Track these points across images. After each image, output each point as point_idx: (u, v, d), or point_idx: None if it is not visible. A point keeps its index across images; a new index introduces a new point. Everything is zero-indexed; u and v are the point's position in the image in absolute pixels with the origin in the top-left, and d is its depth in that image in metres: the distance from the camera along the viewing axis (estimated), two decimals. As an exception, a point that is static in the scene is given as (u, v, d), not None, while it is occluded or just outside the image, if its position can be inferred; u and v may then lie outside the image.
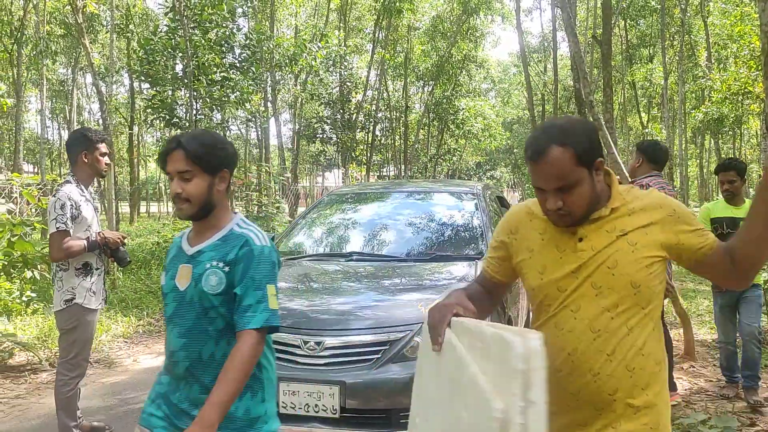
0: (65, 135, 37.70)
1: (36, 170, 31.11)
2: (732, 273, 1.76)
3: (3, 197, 8.26)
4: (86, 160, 3.97)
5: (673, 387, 4.78)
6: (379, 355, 3.41)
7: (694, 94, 25.45)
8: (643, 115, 29.68)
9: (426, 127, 32.85)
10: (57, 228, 3.75)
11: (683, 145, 20.60)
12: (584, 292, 1.78)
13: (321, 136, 27.48)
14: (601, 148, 1.86)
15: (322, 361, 3.42)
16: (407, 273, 4.26)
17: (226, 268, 2.11)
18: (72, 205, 3.81)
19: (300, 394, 3.34)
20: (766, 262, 1.76)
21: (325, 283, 4.30)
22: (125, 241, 4.14)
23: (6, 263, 5.98)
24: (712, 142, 29.60)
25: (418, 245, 4.70)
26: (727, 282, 1.85)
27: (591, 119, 7.28)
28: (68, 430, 3.88)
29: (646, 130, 26.71)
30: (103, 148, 4.01)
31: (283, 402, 3.33)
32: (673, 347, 4.97)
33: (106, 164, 4.07)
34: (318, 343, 3.44)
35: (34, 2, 20.04)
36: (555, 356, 1.72)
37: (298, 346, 3.47)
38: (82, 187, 3.98)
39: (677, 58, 20.73)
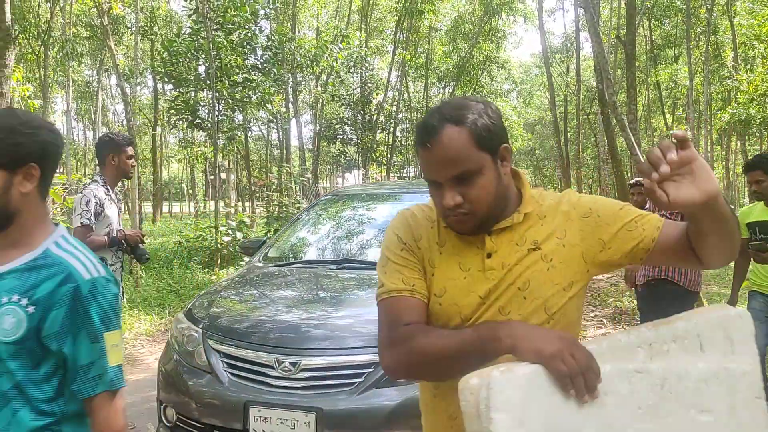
0: (90, 136, 38.23)
1: (62, 170, 31.55)
2: (693, 257, 1.43)
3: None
4: (113, 162, 4.19)
5: None
6: (362, 379, 3.02)
7: (720, 95, 25.11)
8: (667, 116, 29.34)
9: (447, 128, 32.73)
10: (81, 222, 3.95)
11: (709, 147, 20.33)
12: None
13: (341, 137, 27.54)
14: (507, 135, 1.49)
15: (298, 384, 3.05)
16: None
17: (31, 308, 1.45)
18: (96, 202, 4.00)
19: (272, 420, 2.98)
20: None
21: (309, 293, 3.88)
22: (144, 239, 4.32)
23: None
24: (739, 143, 29.19)
25: None
26: (699, 266, 1.46)
27: (614, 120, 7.22)
28: None
29: (671, 132, 26.44)
30: (129, 151, 4.23)
31: (253, 429, 3.00)
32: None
33: (132, 166, 4.27)
34: (293, 364, 3.07)
35: (61, 5, 20.34)
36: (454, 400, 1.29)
37: (271, 366, 3.11)
38: (108, 188, 4.17)
39: (703, 58, 20.46)
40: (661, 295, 4.48)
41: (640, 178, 5.83)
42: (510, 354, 1.26)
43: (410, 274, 1.50)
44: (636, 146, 6.26)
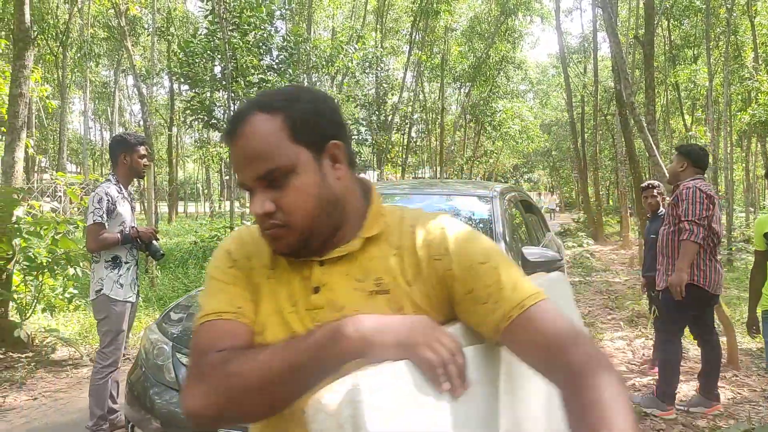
0: (107, 136, 38.55)
1: (79, 170, 31.87)
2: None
3: (48, 196, 8.47)
4: (126, 162, 4.20)
5: (715, 397, 4.66)
6: None
7: (740, 96, 24.80)
8: (686, 117, 29.06)
9: (462, 129, 32.69)
10: (93, 220, 3.98)
11: (728, 149, 20.09)
12: None
13: (356, 137, 27.54)
14: (344, 132, 1.18)
15: None
16: None
17: None
18: (108, 200, 4.03)
19: None
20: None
21: None
22: (157, 235, 4.34)
23: (50, 260, 6.11)
24: (759, 145, 28.84)
25: None
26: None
27: (632, 121, 7.14)
28: (94, 417, 4.05)
29: (690, 133, 26.09)
30: (141, 150, 4.23)
31: None
32: (720, 355, 4.82)
33: (144, 165, 4.27)
34: None
35: (79, 6, 20.54)
36: None
37: None
38: (121, 186, 4.19)
39: (723, 59, 20.23)
40: (686, 299, 4.34)
41: (653, 181, 5.79)
42: (360, 356, 0.99)
43: (238, 293, 1.16)
44: (654, 147, 6.18)
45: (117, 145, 4.24)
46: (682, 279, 4.26)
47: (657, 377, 4.78)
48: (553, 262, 3.83)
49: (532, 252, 3.90)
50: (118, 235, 4.05)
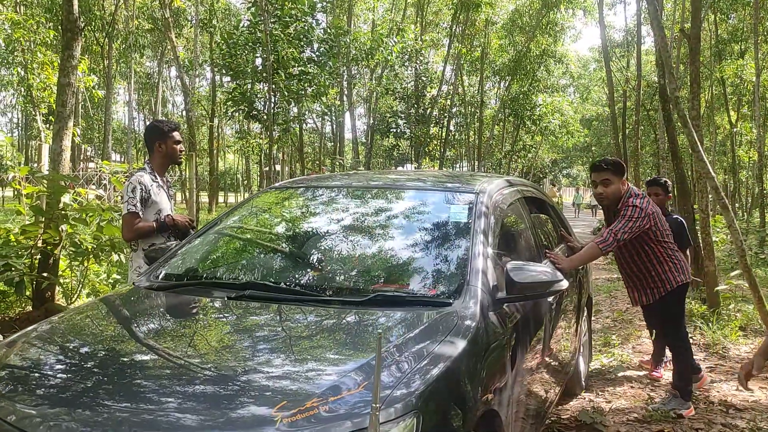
0: (150, 126, 39.30)
1: (123, 159, 32.56)
2: None
3: (93, 184, 8.69)
4: (161, 150, 4.18)
5: (696, 370, 5.01)
6: None
7: (788, 92, 24.09)
8: (732, 113, 28.32)
9: (501, 123, 32.41)
10: (128, 209, 3.97)
11: (775, 146, 19.55)
12: None
13: (395, 130, 27.56)
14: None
15: None
16: (316, 324, 2.50)
17: None
18: (142, 189, 4.01)
19: None
20: None
21: (163, 343, 2.41)
22: (194, 224, 4.28)
23: (95, 246, 6.26)
24: (808, 142, 27.95)
25: (352, 277, 2.88)
26: None
27: (676, 116, 7.01)
28: None
29: (735, 129, 25.46)
30: (176, 136, 4.20)
31: None
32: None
33: (180, 151, 4.24)
34: None
35: (125, -2, 20.95)
36: None
37: None
38: (156, 174, 4.17)
39: (771, 53, 19.65)
40: (683, 297, 4.73)
41: (659, 177, 5.53)
42: None
43: None
44: (698, 143, 6.05)
45: (151, 133, 4.22)
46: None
47: (670, 379, 4.85)
48: (548, 285, 2.70)
49: (519, 271, 2.68)
50: (153, 223, 4.02)
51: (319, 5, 15.30)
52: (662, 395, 4.88)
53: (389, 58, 19.28)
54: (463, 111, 31.95)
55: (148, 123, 6.74)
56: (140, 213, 3.99)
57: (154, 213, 4.07)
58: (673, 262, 4.50)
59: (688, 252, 5.47)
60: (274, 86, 12.68)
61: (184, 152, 4.35)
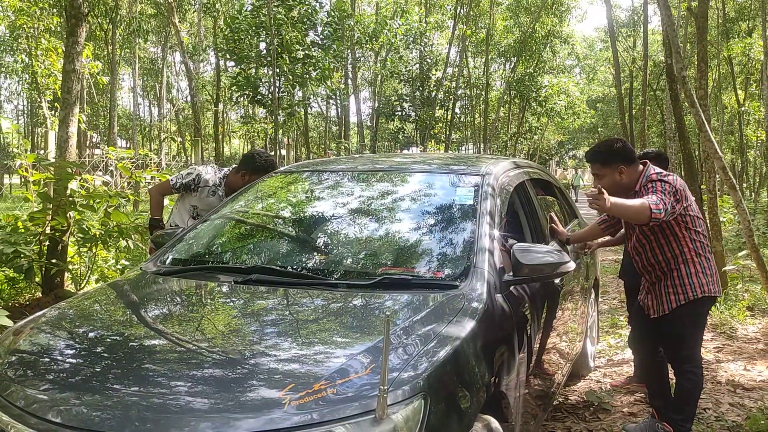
0: (155, 112, 39.22)
1: (129, 145, 32.58)
2: None
3: (100, 170, 8.72)
4: (243, 179, 4.19)
5: None
6: None
7: (797, 70, 23.85)
8: (739, 92, 28.09)
9: (507, 105, 32.24)
10: (169, 179, 4.39)
11: (784, 125, 19.38)
12: None
13: (400, 113, 27.47)
14: None
15: None
16: (323, 308, 2.49)
17: None
18: (196, 179, 4.26)
19: None
20: None
21: (169, 329, 2.40)
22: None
23: (103, 232, 6.30)
24: (817, 121, 27.72)
25: (358, 260, 2.89)
26: None
27: (683, 96, 6.96)
28: None
29: (743, 108, 25.25)
30: (258, 177, 4.01)
31: None
32: None
33: (240, 186, 4.06)
34: None
35: (128, -17, 20.85)
36: None
37: None
38: (222, 185, 4.33)
39: (780, 31, 19.44)
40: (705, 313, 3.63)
41: (650, 150, 4.86)
42: None
43: None
44: (705, 123, 6.01)
45: (249, 161, 4.25)
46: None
47: (648, 395, 4.05)
48: (555, 266, 2.65)
49: (526, 252, 2.66)
50: (159, 203, 4.42)
51: (322, -12, 15.22)
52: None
53: (393, 40, 19.19)
54: (468, 93, 31.78)
55: (155, 109, 6.77)
56: (174, 189, 4.32)
57: (189, 204, 4.30)
58: (702, 265, 3.43)
59: None
60: (278, 70, 12.65)
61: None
